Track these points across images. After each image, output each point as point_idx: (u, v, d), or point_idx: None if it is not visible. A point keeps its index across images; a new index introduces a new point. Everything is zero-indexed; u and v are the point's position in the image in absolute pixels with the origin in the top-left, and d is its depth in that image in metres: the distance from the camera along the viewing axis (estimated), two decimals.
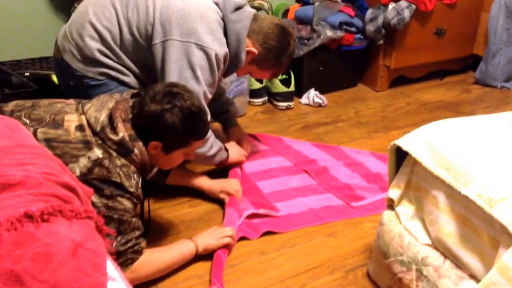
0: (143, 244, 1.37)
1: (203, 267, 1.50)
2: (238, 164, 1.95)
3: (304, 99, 2.64)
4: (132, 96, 1.41)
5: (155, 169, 1.62)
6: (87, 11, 1.64)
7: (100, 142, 1.27)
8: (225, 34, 1.65)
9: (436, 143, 1.24)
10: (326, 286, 1.45)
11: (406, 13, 2.56)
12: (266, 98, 2.62)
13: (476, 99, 2.75)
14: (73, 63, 1.65)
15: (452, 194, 1.18)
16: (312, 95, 2.62)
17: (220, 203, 1.77)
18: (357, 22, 2.64)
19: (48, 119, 1.29)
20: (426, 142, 1.26)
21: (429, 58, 2.82)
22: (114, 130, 1.28)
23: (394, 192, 1.34)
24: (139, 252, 1.34)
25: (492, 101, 2.72)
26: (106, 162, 1.26)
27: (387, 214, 1.37)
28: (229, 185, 1.77)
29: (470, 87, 2.88)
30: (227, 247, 1.54)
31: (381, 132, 2.34)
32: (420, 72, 2.87)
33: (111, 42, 1.61)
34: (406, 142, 1.29)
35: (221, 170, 1.91)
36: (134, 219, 1.32)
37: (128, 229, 1.30)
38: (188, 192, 1.79)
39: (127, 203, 1.29)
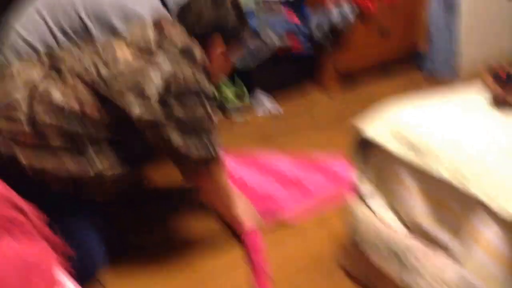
0: None
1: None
2: None
3: (259, 110, 2.61)
4: None
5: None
6: (13, 27, 1.57)
7: (163, 52, 1.29)
8: None
9: (394, 121, 1.23)
10: (299, 284, 1.41)
11: (350, 16, 2.60)
12: (221, 113, 2.57)
13: (422, 86, 2.81)
14: None
15: (415, 169, 1.16)
16: (266, 105, 2.59)
17: None
18: (303, 29, 2.65)
19: (102, 59, 1.29)
20: (385, 121, 1.24)
21: (376, 58, 2.87)
22: (170, 40, 1.31)
23: (362, 182, 1.31)
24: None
25: (437, 86, 2.77)
26: (179, 74, 1.28)
27: (352, 200, 1.34)
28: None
29: (415, 76, 2.94)
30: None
31: (333, 127, 2.34)
32: (369, 71, 2.91)
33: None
34: (369, 129, 1.27)
35: None
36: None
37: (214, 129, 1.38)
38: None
39: (207, 108, 1.33)
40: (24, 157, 1.20)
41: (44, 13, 1.55)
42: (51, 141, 1.22)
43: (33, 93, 1.25)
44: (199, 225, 1.69)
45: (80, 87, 1.25)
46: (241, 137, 2.36)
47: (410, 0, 2.85)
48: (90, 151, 1.25)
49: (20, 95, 1.24)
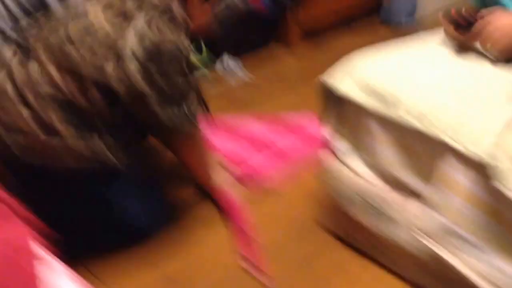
0: None
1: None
2: None
3: (219, 66, 2.56)
4: None
5: None
6: None
7: (143, 14, 1.22)
8: None
9: (360, 73, 1.23)
10: (280, 245, 1.42)
11: None
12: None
13: (385, 38, 2.77)
14: None
15: (385, 120, 1.17)
16: (227, 61, 2.55)
17: None
18: None
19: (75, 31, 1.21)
20: (351, 74, 1.24)
21: (334, 7, 2.84)
22: (150, 2, 1.26)
23: (332, 137, 1.31)
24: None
25: (400, 37, 2.78)
26: (154, 29, 1.22)
27: (326, 156, 1.35)
28: None
29: (378, 28, 2.94)
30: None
31: (303, 85, 2.32)
32: (329, 22, 2.89)
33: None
34: (332, 78, 1.27)
35: None
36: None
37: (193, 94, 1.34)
38: None
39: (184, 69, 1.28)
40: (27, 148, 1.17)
41: None
42: (57, 127, 1.18)
43: (12, 76, 1.19)
44: (178, 192, 1.67)
45: (57, 72, 1.19)
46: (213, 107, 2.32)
47: None
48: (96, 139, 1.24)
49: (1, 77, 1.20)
